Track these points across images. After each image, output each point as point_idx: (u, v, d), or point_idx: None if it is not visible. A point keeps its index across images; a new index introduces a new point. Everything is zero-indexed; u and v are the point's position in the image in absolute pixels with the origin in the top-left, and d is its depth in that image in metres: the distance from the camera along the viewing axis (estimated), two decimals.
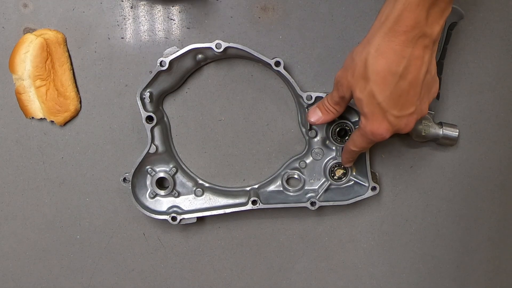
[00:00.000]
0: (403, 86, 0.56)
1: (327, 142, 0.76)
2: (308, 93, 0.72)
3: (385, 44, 0.54)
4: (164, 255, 0.81)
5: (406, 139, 0.79)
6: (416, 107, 0.59)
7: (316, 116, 0.68)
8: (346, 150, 0.69)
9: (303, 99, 0.72)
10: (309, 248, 0.82)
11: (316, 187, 0.77)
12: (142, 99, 0.72)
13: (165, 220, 0.75)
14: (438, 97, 0.76)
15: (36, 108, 0.73)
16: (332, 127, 0.74)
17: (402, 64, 0.54)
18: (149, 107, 0.73)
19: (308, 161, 0.77)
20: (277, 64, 0.71)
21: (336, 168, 0.76)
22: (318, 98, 0.72)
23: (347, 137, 0.74)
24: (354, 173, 0.76)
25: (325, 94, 0.71)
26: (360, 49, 0.57)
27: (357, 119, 0.74)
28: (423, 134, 0.75)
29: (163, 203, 0.77)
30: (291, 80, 0.71)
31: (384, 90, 0.56)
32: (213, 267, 0.82)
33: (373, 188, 0.75)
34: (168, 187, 0.76)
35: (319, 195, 0.76)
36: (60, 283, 0.81)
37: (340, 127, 0.74)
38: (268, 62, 0.70)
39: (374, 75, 0.55)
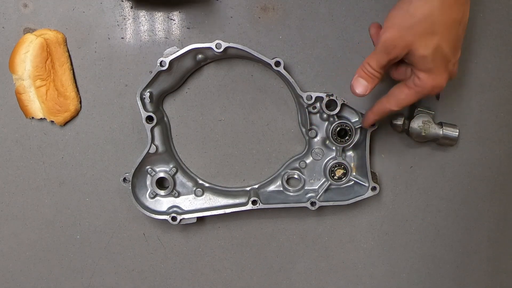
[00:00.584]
0: (460, 32, 0.58)
1: (327, 142, 0.76)
2: (308, 93, 0.72)
3: None
4: (164, 255, 0.81)
5: (406, 139, 0.79)
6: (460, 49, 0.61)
7: (361, 86, 0.63)
8: (381, 111, 0.66)
9: (303, 99, 0.72)
10: (309, 248, 0.82)
11: (316, 187, 0.77)
12: (142, 99, 0.72)
13: (165, 220, 0.74)
14: (438, 97, 0.76)
15: (36, 108, 0.73)
16: (332, 127, 0.74)
17: (461, 10, 0.57)
18: (149, 107, 0.73)
19: (308, 161, 0.77)
20: (277, 64, 0.71)
21: (336, 168, 0.76)
22: (318, 98, 0.72)
23: (347, 137, 0.74)
24: (354, 173, 0.76)
25: (325, 94, 0.71)
26: (420, 4, 0.56)
27: (357, 119, 0.74)
28: (423, 134, 0.75)
29: (163, 203, 0.77)
30: (291, 80, 0.71)
31: (450, 40, 0.57)
32: (213, 267, 0.82)
33: (373, 188, 0.75)
34: (168, 187, 0.76)
35: (319, 195, 0.76)
36: (60, 283, 0.81)
37: (340, 127, 0.73)
38: (268, 62, 0.70)
39: (442, 27, 0.56)
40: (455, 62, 0.61)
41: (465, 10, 0.58)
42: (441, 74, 0.59)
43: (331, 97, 0.72)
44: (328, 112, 0.72)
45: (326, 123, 0.75)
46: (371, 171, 0.74)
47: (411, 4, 0.56)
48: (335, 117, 0.73)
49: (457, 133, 0.76)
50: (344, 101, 0.72)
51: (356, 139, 0.74)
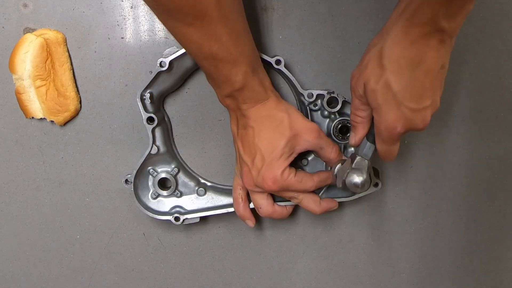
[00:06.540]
0: (419, 76, 0.55)
1: None
2: (309, 91, 0.72)
3: (402, 34, 0.54)
4: (164, 255, 0.81)
5: (407, 138, 0.79)
6: (432, 100, 0.58)
7: (352, 138, 0.67)
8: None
9: (304, 97, 0.72)
10: (309, 248, 0.82)
11: None
12: (142, 100, 0.71)
13: (166, 220, 0.74)
14: None
15: (36, 108, 0.73)
16: (333, 124, 0.73)
17: (419, 54, 0.54)
18: (149, 108, 0.73)
19: (310, 158, 0.77)
20: (278, 62, 0.71)
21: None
22: (319, 96, 0.72)
23: (348, 134, 0.73)
24: None
25: (326, 91, 0.71)
26: (375, 41, 0.57)
27: None
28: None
29: (166, 203, 0.76)
30: (292, 78, 0.71)
31: (401, 79, 0.55)
32: (213, 267, 0.82)
33: (376, 184, 0.74)
34: (170, 187, 0.76)
35: (321, 192, 0.75)
36: (60, 283, 0.81)
37: (341, 124, 0.73)
38: (269, 60, 0.70)
39: (391, 63, 0.55)
40: (417, 110, 0.57)
41: (426, 56, 0.54)
42: (392, 113, 0.57)
43: (332, 94, 0.72)
44: (330, 110, 0.72)
45: (328, 120, 0.75)
46: (373, 167, 0.74)
47: (369, 43, 0.60)
48: (336, 114, 0.73)
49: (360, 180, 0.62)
50: (345, 98, 0.72)
51: None
